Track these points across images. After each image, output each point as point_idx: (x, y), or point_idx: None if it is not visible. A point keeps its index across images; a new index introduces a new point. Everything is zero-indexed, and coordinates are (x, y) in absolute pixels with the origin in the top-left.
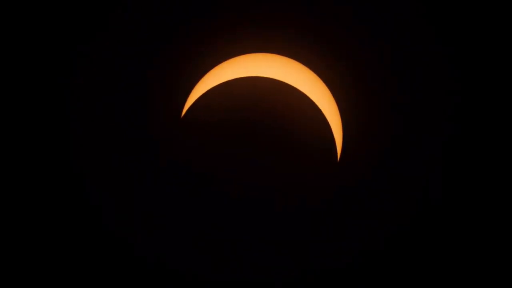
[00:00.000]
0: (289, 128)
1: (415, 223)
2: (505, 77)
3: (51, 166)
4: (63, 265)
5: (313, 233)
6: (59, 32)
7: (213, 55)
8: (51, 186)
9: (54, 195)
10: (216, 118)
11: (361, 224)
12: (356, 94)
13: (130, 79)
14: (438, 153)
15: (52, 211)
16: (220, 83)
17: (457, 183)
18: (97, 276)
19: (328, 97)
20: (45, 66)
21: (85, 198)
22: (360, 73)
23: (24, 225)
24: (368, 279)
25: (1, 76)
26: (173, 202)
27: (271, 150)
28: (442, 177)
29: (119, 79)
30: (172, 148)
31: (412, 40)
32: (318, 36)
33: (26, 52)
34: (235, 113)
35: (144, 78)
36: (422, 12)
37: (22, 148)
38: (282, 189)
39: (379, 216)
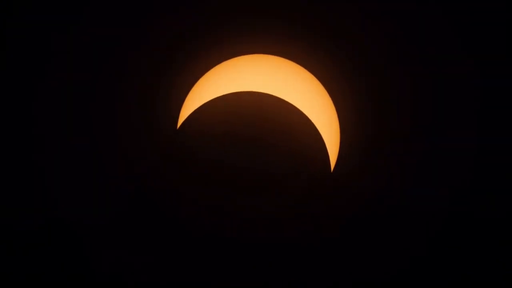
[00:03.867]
0: (282, 142)
1: (412, 229)
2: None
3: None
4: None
5: (308, 243)
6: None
7: (211, 55)
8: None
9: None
10: (211, 131)
11: (357, 232)
12: (355, 96)
13: (126, 85)
14: (436, 158)
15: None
16: (216, 97)
17: (458, 191)
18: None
19: (326, 100)
20: (42, 68)
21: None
22: (360, 76)
23: None
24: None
25: None
26: (167, 213)
27: (265, 162)
28: (439, 180)
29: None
30: (168, 158)
31: (416, 43)
32: (318, 37)
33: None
34: (230, 127)
35: (138, 82)
36: (426, 14)
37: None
38: (276, 200)
39: (376, 224)
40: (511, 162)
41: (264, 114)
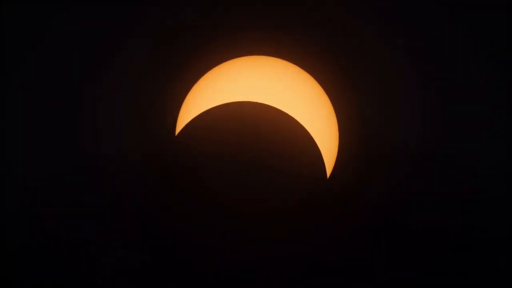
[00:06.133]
0: (278, 150)
1: (407, 235)
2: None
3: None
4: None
5: (306, 248)
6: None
7: (209, 56)
8: None
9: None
10: (208, 140)
11: (353, 235)
12: (356, 100)
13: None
14: (435, 164)
15: None
16: (213, 107)
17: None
18: None
19: (326, 105)
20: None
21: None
22: (360, 80)
23: None
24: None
25: None
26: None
27: (261, 172)
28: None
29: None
30: (166, 164)
31: (420, 47)
32: (318, 40)
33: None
34: (227, 137)
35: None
36: (429, 15)
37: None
38: (273, 205)
39: (372, 228)
40: None
41: (261, 124)
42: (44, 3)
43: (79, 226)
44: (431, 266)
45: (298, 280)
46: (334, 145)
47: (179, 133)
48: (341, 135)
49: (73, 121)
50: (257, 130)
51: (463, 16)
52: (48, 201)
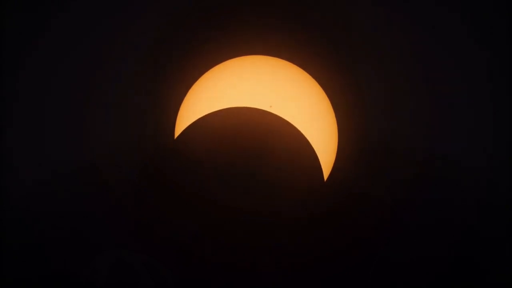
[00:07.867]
0: (277, 156)
1: (404, 238)
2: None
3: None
4: None
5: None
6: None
7: (209, 57)
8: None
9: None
10: (205, 147)
11: (351, 239)
12: (356, 102)
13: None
14: (429, 169)
15: None
16: (212, 112)
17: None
18: None
19: (326, 106)
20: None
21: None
22: (361, 81)
23: None
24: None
25: None
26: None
27: (259, 177)
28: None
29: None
30: (164, 170)
31: (425, 48)
32: (318, 40)
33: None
34: (225, 141)
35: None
36: (429, 18)
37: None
38: (271, 208)
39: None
40: None
41: (258, 129)
42: (41, 2)
43: (79, 227)
44: (433, 267)
45: (298, 283)
46: (333, 147)
47: (178, 137)
48: (341, 137)
49: (69, 124)
50: (256, 136)
51: (469, 16)
52: (47, 201)
